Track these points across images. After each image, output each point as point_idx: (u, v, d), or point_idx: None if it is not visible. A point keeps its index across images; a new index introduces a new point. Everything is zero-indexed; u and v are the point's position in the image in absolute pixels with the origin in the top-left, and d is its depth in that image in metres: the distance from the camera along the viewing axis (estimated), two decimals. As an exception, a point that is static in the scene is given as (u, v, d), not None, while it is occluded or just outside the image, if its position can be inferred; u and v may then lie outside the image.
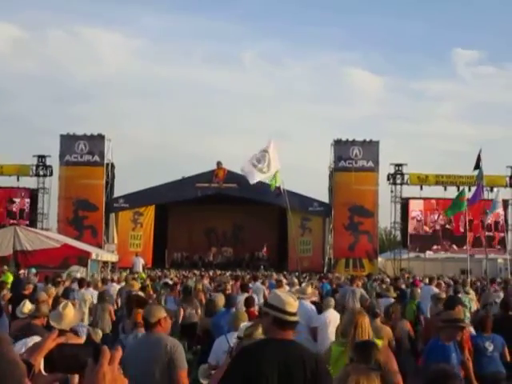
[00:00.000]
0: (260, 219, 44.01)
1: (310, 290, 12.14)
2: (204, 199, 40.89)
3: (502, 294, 15.93)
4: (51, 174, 41.79)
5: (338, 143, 41.05)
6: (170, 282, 19.89)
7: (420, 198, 42.87)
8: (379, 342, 6.27)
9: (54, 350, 2.20)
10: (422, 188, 42.28)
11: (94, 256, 25.19)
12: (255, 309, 10.86)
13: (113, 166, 42.31)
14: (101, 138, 41.05)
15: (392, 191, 42.36)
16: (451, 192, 39.63)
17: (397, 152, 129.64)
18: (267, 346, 4.33)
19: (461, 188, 35.80)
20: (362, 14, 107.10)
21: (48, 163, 41.88)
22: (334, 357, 6.22)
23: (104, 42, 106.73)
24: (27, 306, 8.86)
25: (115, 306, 15.39)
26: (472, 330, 8.92)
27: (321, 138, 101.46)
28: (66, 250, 24.15)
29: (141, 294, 12.97)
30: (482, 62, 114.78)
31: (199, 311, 13.51)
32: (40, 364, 2.24)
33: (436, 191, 42.44)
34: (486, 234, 40.61)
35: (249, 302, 10.81)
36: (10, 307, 12.11)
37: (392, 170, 42.17)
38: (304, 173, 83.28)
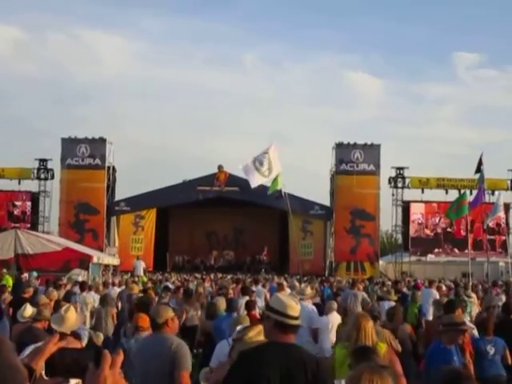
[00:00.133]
0: (261, 222, 43.99)
1: (309, 290, 12.15)
2: (205, 202, 40.89)
3: (504, 297, 15.93)
4: (52, 178, 41.85)
5: (339, 146, 41.07)
6: (171, 286, 19.89)
7: (421, 202, 42.89)
8: (383, 346, 6.25)
9: (55, 354, 2.20)
10: (423, 191, 42.30)
11: (95, 259, 25.14)
12: (256, 312, 10.85)
13: (114, 169, 42.34)
14: (102, 141, 41.08)
15: (393, 194, 42.44)
16: (452, 195, 39.58)
17: (398, 155, 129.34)
18: (268, 349, 4.33)
19: (462, 191, 35.87)
20: (363, 17, 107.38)
21: (49, 166, 41.99)
22: (339, 360, 6.20)
23: (104, 45, 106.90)
24: (28, 310, 8.85)
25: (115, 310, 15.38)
26: (476, 332, 8.92)
27: (322, 141, 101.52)
28: (68, 254, 24.10)
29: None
30: (482, 65, 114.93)
31: (199, 313, 13.50)
32: (41, 368, 2.24)
33: (437, 194, 42.52)
34: (488, 237, 40.72)
35: (250, 306, 10.80)
36: (10, 310, 12.11)
37: (393, 174, 42.23)
38: (305, 176, 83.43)
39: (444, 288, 19.29)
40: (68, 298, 14.42)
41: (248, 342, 5.14)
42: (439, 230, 42.91)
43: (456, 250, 42.11)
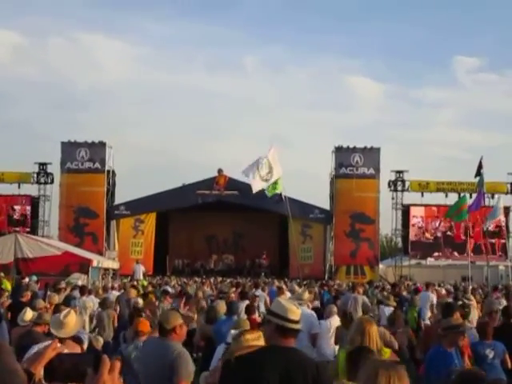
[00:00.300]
0: (261, 226, 43.96)
1: (306, 295, 12.13)
2: (205, 206, 40.88)
3: (504, 301, 15.91)
4: (52, 182, 41.81)
5: (339, 150, 41.07)
6: (170, 290, 19.86)
7: (421, 205, 42.88)
8: (387, 351, 6.22)
9: (54, 359, 2.19)
10: (422, 195, 42.30)
11: (95, 263, 25.13)
12: (256, 316, 10.83)
13: (114, 173, 42.33)
14: (102, 145, 41.08)
15: (393, 198, 42.44)
16: (452, 199, 39.61)
17: (398, 159, 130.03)
18: (268, 352, 4.36)
19: (462, 195, 35.87)
20: (363, 22, 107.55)
21: (49, 170, 41.94)
22: (341, 364, 6.18)
23: (104, 49, 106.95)
24: (28, 314, 8.86)
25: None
26: (475, 332, 8.92)
27: (322, 144, 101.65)
28: (67, 258, 24.09)
29: (140, 300, 12.94)
30: (482, 69, 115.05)
31: (196, 317, 13.50)
32: (40, 373, 2.24)
33: (437, 198, 42.48)
34: (488, 240, 40.69)
35: (250, 310, 10.80)
36: (9, 314, 12.10)
37: (393, 177, 42.25)
38: (305, 179, 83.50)
39: (444, 291, 19.29)
40: (68, 302, 14.42)
41: (244, 345, 5.13)
42: (439, 234, 42.92)
43: (456, 254, 42.10)
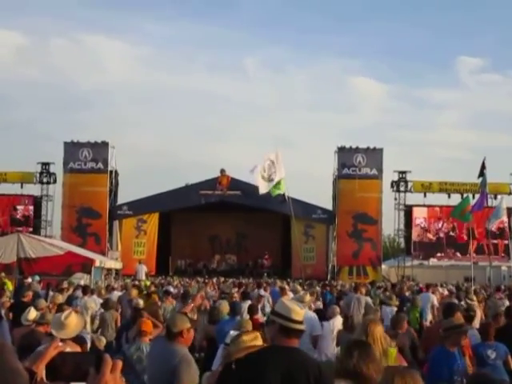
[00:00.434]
0: (263, 226, 43.94)
1: (307, 297, 12.11)
2: (208, 206, 40.88)
3: (507, 302, 15.90)
4: (55, 182, 41.85)
5: (341, 150, 41.06)
6: (172, 290, 19.87)
7: (424, 206, 42.89)
8: (393, 351, 6.20)
9: (57, 358, 2.19)
10: (425, 195, 42.31)
11: (97, 263, 25.14)
12: (259, 316, 10.83)
13: (116, 173, 42.35)
14: (104, 145, 41.10)
15: (396, 198, 42.44)
16: (455, 199, 39.67)
17: (400, 159, 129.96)
18: (271, 352, 4.37)
19: (464, 195, 35.89)
20: (366, 22, 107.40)
21: (52, 170, 42.02)
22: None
23: (106, 50, 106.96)
24: (32, 313, 8.86)
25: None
26: (476, 332, 8.91)
27: (324, 145, 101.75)
28: (70, 258, 24.11)
29: (140, 301, 12.95)
30: (485, 69, 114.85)
31: (195, 317, 13.49)
32: (42, 372, 2.24)
33: (440, 199, 42.52)
34: (490, 241, 40.71)
35: (252, 310, 10.79)
36: (10, 314, 12.12)
37: (396, 178, 42.23)
38: (307, 180, 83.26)
39: (446, 292, 19.27)
40: (70, 301, 14.44)
41: (241, 346, 5.13)
42: (442, 235, 42.93)
43: (458, 255, 42.07)
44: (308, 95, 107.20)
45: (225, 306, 11.25)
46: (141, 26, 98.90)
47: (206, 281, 28.98)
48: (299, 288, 18.24)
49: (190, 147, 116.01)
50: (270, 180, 26.14)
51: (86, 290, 16.61)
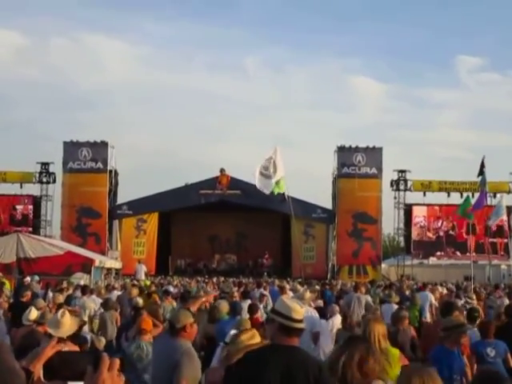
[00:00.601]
0: (263, 226, 43.94)
1: (307, 295, 12.11)
2: (207, 206, 40.90)
3: (506, 300, 15.90)
4: (54, 181, 41.87)
5: (341, 150, 41.07)
6: (172, 289, 19.86)
7: (423, 205, 42.93)
8: (395, 351, 6.19)
9: (54, 357, 2.19)
10: (425, 194, 42.37)
11: (97, 263, 25.13)
12: (259, 316, 10.82)
13: (116, 172, 42.35)
14: (104, 144, 41.10)
15: (395, 198, 42.49)
16: (454, 198, 39.78)
17: (400, 158, 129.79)
18: (271, 350, 4.38)
19: (464, 194, 35.89)
20: (365, 21, 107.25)
21: (51, 170, 42.03)
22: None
23: (106, 49, 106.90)
24: (33, 313, 8.85)
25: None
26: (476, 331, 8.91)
27: (324, 144, 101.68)
28: (70, 258, 24.10)
29: (140, 300, 12.94)
30: (485, 68, 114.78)
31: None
32: (39, 371, 2.23)
33: (439, 197, 42.59)
34: (490, 240, 40.75)
35: (252, 309, 10.78)
36: (9, 314, 12.12)
37: (395, 177, 42.30)
38: (307, 179, 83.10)
39: (445, 291, 19.26)
40: (69, 301, 14.43)
41: (240, 346, 5.13)
42: (441, 233, 42.97)
43: (458, 253, 42.11)
44: (308, 95, 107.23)
45: (224, 306, 11.25)
46: (141, 25, 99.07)
47: (206, 280, 28.98)
48: (299, 287, 18.20)
49: (189, 147, 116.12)
50: (269, 177, 26.09)
51: (84, 290, 16.60)
